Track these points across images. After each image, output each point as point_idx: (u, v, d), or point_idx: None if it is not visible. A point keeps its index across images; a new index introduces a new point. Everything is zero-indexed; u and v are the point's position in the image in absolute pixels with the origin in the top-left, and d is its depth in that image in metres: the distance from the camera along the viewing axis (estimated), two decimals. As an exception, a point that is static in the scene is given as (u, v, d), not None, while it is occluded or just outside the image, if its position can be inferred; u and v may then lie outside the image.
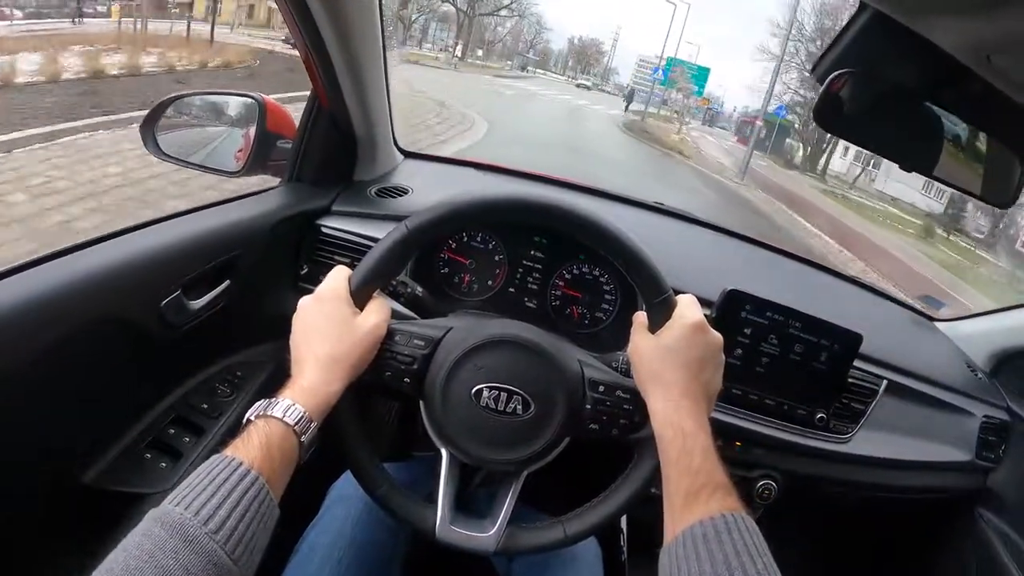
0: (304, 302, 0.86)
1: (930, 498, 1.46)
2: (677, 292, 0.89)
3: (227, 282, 1.15)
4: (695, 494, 0.74)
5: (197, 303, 1.09)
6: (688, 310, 0.87)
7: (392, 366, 0.87)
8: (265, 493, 0.66)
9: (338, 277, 0.87)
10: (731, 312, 1.20)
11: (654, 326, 0.88)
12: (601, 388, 0.88)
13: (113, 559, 0.58)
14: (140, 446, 1.05)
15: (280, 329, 1.24)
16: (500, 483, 0.91)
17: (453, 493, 0.89)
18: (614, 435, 0.88)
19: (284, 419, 0.72)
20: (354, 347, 0.82)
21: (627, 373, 0.94)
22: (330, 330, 0.82)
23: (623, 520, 1.49)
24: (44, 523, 0.92)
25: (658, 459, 0.84)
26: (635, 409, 0.88)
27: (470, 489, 0.95)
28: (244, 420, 0.74)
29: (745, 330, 1.20)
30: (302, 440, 0.73)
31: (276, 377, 1.25)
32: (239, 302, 1.18)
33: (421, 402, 0.89)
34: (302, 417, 0.74)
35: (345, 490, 1.11)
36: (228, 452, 0.68)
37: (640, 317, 0.91)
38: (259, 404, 0.75)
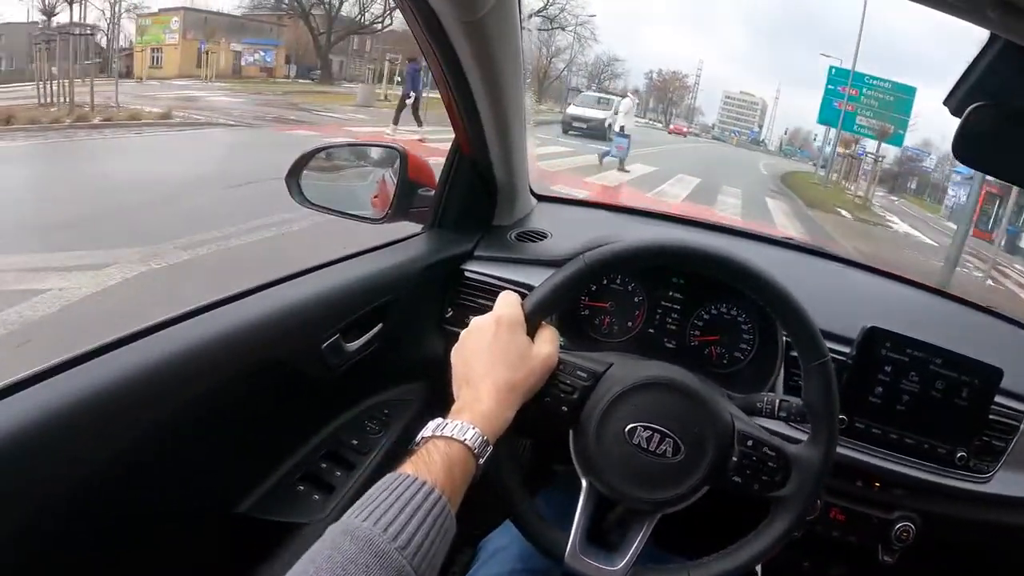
0: (481, 322, 0.93)
1: None
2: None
3: (380, 325, 1.29)
4: None
5: (353, 345, 1.23)
6: None
7: (553, 393, 0.94)
8: (448, 512, 0.72)
9: (512, 303, 0.95)
10: (871, 350, 1.24)
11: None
12: (749, 442, 0.94)
13: (301, 572, 0.63)
14: (294, 478, 1.17)
15: (425, 369, 1.38)
16: (633, 521, 0.97)
17: (587, 523, 0.96)
18: (755, 490, 0.94)
19: (466, 442, 0.78)
20: (529, 375, 0.89)
21: (773, 415, 1.03)
22: (509, 357, 0.89)
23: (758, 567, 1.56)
24: (200, 550, 1.03)
25: (793, 521, 0.92)
26: (778, 468, 0.94)
27: (605, 524, 1.01)
28: (419, 438, 0.80)
29: (886, 368, 1.24)
30: (480, 463, 0.80)
31: (422, 415, 1.37)
32: (389, 344, 1.31)
33: (571, 432, 0.96)
34: (482, 441, 0.80)
35: (499, 543, 1.18)
36: (409, 470, 0.73)
37: None
38: (435, 423, 0.81)
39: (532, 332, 0.95)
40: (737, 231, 1.85)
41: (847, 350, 1.28)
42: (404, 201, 1.48)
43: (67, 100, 14.43)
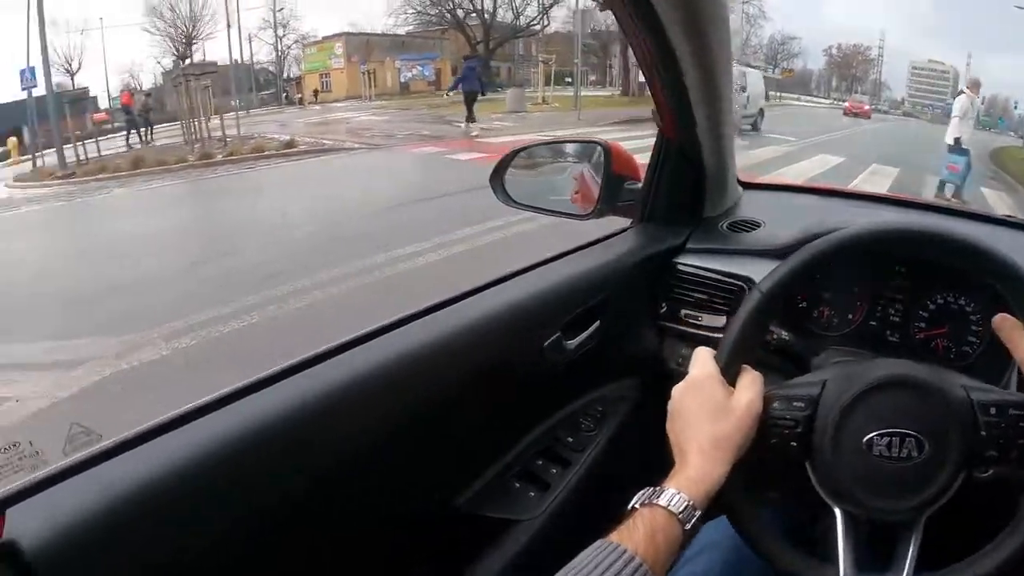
0: (677, 390, 0.94)
1: None
2: None
3: (597, 322, 1.32)
4: None
5: (572, 343, 1.26)
6: None
7: (776, 433, 0.92)
8: None
9: (705, 360, 0.95)
10: None
11: None
12: (993, 410, 0.87)
13: None
14: (509, 475, 1.22)
15: (640, 365, 1.39)
16: (899, 534, 0.92)
17: (853, 552, 0.92)
18: (1014, 458, 0.88)
19: (669, 508, 0.81)
20: (734, 429, 0.89)
21: None
22: (706, 414, 0.90)
23: None
24: (420, 545, 1.09)
25: None
26: None
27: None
28: (629, 507, 0.84)
29: None
30: (686, 529, 0.81)
31: (636, 412, 1.40)
32: (606, 340, 1.33)
33: (807, 463, 0.93)
34: (687, 506, 0.82)
35: (711, 537, 1.15)
36: (614, 538, 0.77)
37: (1007, 318, 0.92)
38: (644, 492, 0.84)
39: (733, 381, 0.94)
40: (954, 211, 1.78)
41: None
42: (610, 196, 1.49)
43: (198, 138, 15.94)
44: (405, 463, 1.03)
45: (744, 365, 0.96)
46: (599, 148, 1.53)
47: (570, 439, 1.31)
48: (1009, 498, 0.91)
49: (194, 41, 27.39)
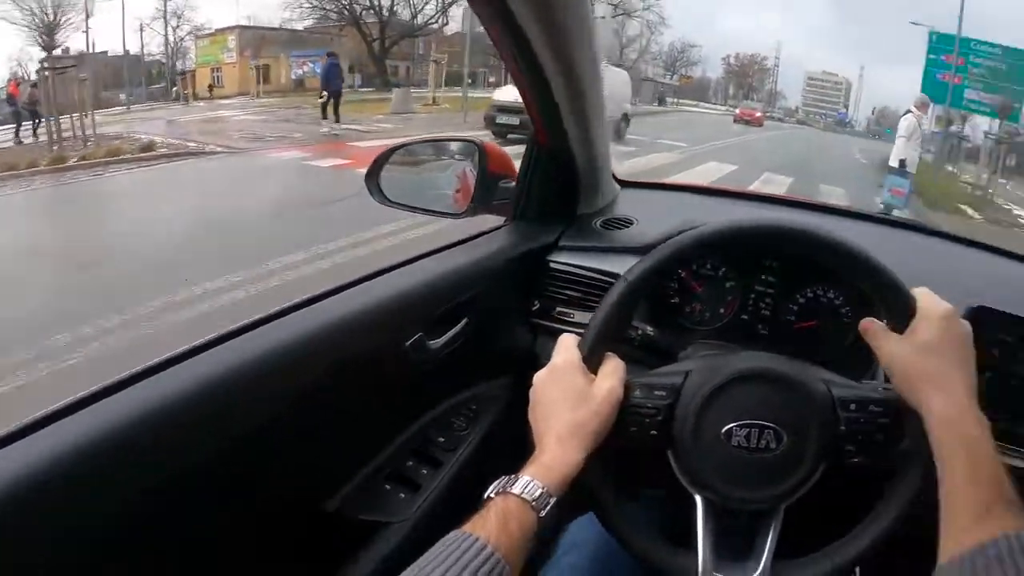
0: (538, 377, 0.96)
1: None
2: None
3: (464, 320, 1.32)
4: (986, 509, 0.75)
5: (437, 342, 1.26)
6: (932, 302, 0.91)
7: (636, 421, 0.93)
8: (501, 565, 0.74)
9: (568, 346, 0.97)
10: (979, 332, 1.13)
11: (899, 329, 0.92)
12: (852, 406, 0.91)
13: None
14: (380, 477, 1.21)
15: (513, 363, 1.41)
16: (759, 523, 0.95)
17: (713, 539, 0.94)
18: (873, 453, 0.92)
19: (522, 495, 0.81)
20: (591, 415, 0.89)
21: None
22: (565, 401, 0.90)
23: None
24: (288, 548, 1.07)
25: (921, 471, 0.88)
26: (892, 423, 0.91)
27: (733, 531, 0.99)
28: (484, 497, 0.83)
29: (993, 351, 1.19)
30: (540, 515, 0.81)
31: (509, 411, 1.41)
32: (475, 339, 1.33)
33: (669, 452, 0.95)
34: (541, 493, 0.81)
35: (579, 536, 1.19)
36: (467, 528, 0.77)
37: (873, 323, 0.95)
38: (499, 481, 0.84)
39: (596, 369, 0.95)
40: (830, 208, 1.83)
41: None
42: (485, 194, 1.51)
43: (57, 138, 14.92)
44: (270, 466, 1.01)
45: (608, 353, 0.97)
46: (474, 146, 1.54)
47: (442, 439, 1.31)
48: (869, 488, 0.96)
49: (56, 31, 26.11)
